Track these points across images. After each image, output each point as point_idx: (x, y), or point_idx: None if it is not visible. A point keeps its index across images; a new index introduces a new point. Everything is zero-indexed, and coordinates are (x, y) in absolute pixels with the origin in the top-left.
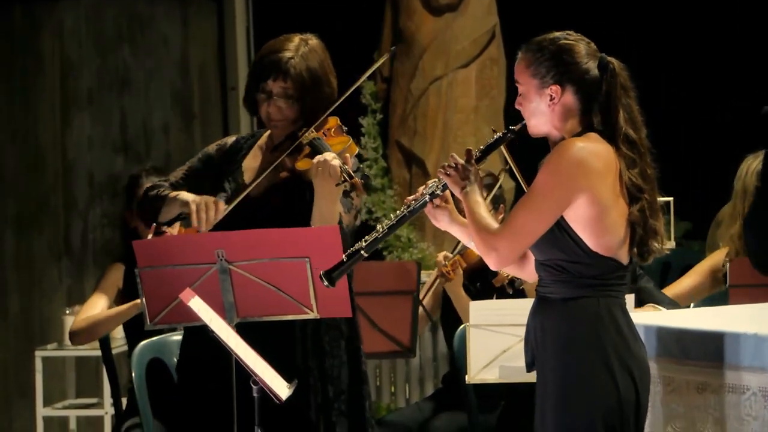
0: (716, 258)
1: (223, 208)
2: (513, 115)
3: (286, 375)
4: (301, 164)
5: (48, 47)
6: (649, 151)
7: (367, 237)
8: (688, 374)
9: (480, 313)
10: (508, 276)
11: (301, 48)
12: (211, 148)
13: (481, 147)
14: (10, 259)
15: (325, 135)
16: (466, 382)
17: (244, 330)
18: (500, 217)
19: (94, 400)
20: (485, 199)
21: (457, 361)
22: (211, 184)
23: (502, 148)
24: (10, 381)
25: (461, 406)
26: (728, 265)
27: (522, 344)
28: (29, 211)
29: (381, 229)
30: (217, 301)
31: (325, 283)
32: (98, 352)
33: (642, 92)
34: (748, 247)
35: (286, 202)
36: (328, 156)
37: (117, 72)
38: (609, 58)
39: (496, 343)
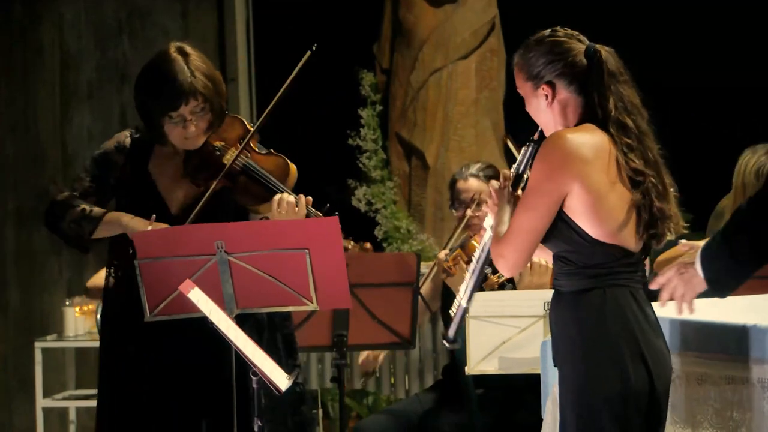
0: None
1: None
2: (513, 108)
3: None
4: (245, 198)
5: (48, 40)
6: (650, 135)
7: (459, 288)
8: (688, 366)
9: (479, 304)
10: (499, 279)
11: (188, 60)
12: (110, 147)
13: (514, 167)
14: (10, 252)
15: (248, 152)
16: (466, 374)
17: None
18: None
19: (93, 392)
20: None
21: (458, 352)
22: (117, 187)
23: (508, 142)
24: (10, 373)
25: (461, 398)
26: None
27: (521, 335)
28: (29, 205)
29: (469, 277)
30: (216, 292)
31: (447, 345)
32: (98, 344)
33: (642, 84)
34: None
35: (213, 217)
36: (291, 200)
37: (116, 65)
38: (596, 46)
39: (496, 334)
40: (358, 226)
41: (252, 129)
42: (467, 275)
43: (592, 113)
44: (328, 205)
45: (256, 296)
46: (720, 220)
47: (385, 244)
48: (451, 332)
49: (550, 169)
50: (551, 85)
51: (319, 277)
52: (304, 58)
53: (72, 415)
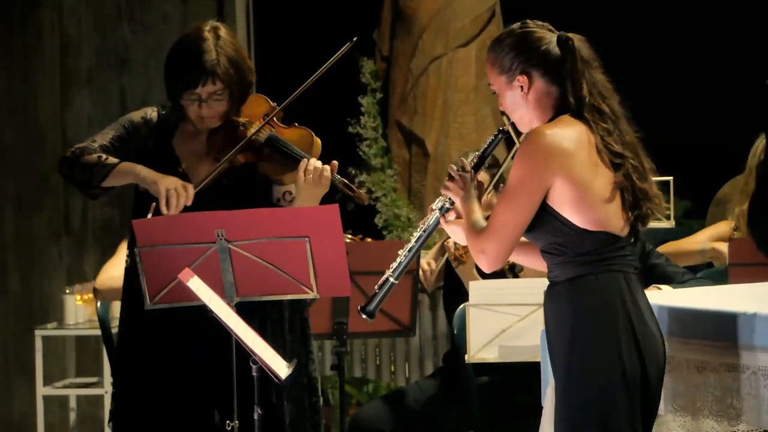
0: (722, 229)
1: (193, 193)
2: None
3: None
4: (269, 168)
5: (47, 25)
6: (624, 117)
7: (392, 264)
8: (688, 353)
9: (480, 292)
10: (508, 261)
11: (218, 43)
12: (136, 117)
13: (477, 153)
14: (10, 237)
15: (272, 126)
16: (466, 362)
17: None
18: None
19: (94, 379)
20: (490, 183)
21: (458, 340)
22: (136, 158)
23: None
24: (10, 360)
25: (462, 385)
26: (728, 244)
27: (521, 323)
28: (29, 190)
29: (404, 254)
30: (216, 280)
31: (364, 316)
32: (98, 332)
33: (643, 71)
34: (754, 231)
35: (236, 191)
36: (317, 165)
37: (116, 50)
38: (567, 35)
39: (496, 322)
40: (358, 215)
41: (276, 106)
42: (402, 252)
43: (567, 102)
44: (351, 170)
45: (256, 284)
46: (720, 207)
47: (385, 232)
48: (372, 306)
49: (532, 165)
50: (527, 75)
51: (319, 265)
52: (344, 49)
53: (72, 403)
